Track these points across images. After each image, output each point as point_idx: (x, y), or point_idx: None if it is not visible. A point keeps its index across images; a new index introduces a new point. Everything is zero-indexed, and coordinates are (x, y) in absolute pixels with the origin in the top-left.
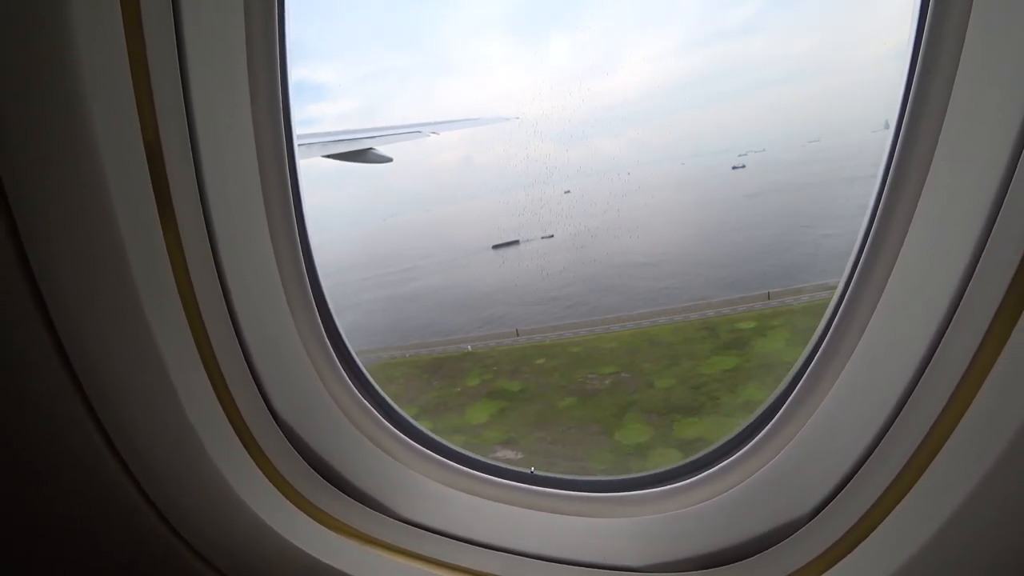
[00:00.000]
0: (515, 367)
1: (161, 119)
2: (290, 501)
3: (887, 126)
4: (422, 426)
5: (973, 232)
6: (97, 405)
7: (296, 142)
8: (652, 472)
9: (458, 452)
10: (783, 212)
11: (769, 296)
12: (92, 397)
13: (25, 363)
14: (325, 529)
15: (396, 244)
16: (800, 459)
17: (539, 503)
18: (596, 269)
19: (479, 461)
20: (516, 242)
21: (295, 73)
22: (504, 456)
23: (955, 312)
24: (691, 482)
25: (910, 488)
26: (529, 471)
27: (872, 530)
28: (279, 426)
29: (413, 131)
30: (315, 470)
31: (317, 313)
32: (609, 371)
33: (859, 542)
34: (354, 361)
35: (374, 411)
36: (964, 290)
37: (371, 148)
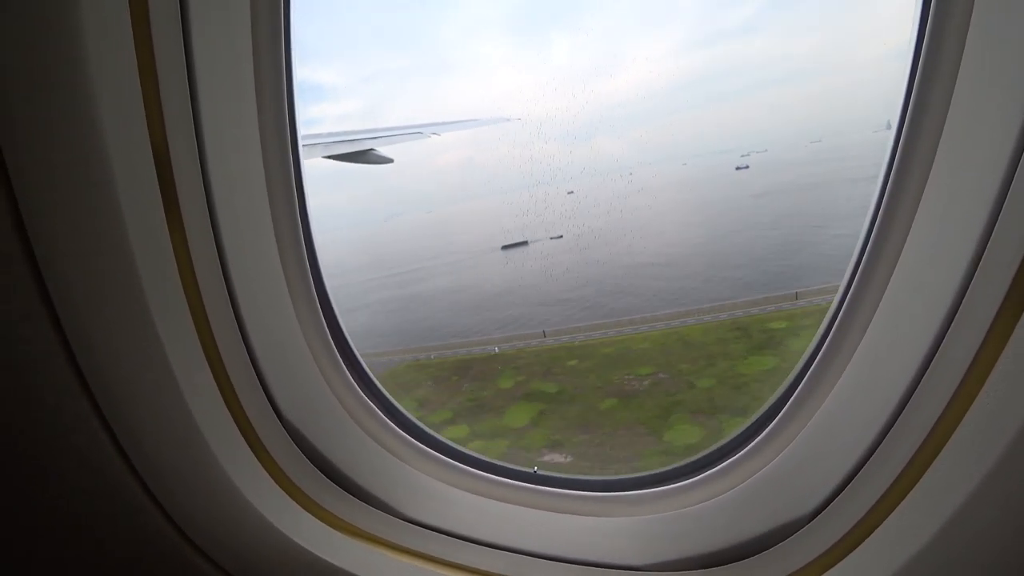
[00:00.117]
0: (547, 369)
1: (168, 121)
2: (295, 501)
3: (889, 126)
4: (426, 426)
5: (974, 232)
6: (103, 405)
7: (301, 144)
8: (654, 472)
9: (462, 452)
10: (792, 212)
11: (797, 296)
12: (98, 397)
13: (32, 363)
14: (330, 529)
15: (400, 245)
16: (801, 459)
17: (542, 502)
18: (608, 270)
19: (482, 461)
20: (525, 243)
21: (297, 74)
22: (552, 460)
23: (956, 312)
24: (692, 482)
25: (911, 488)
26: (532, 471)
27: (873, 530)
28: (284, 426)
29: (414, 132)
30: (320, 470)
31: (322, 314)
32: (646, 372)
33: (860, 542)
34: (358, 362)
35: (378, 411)
36: (965, 290)
37: (372, 149)
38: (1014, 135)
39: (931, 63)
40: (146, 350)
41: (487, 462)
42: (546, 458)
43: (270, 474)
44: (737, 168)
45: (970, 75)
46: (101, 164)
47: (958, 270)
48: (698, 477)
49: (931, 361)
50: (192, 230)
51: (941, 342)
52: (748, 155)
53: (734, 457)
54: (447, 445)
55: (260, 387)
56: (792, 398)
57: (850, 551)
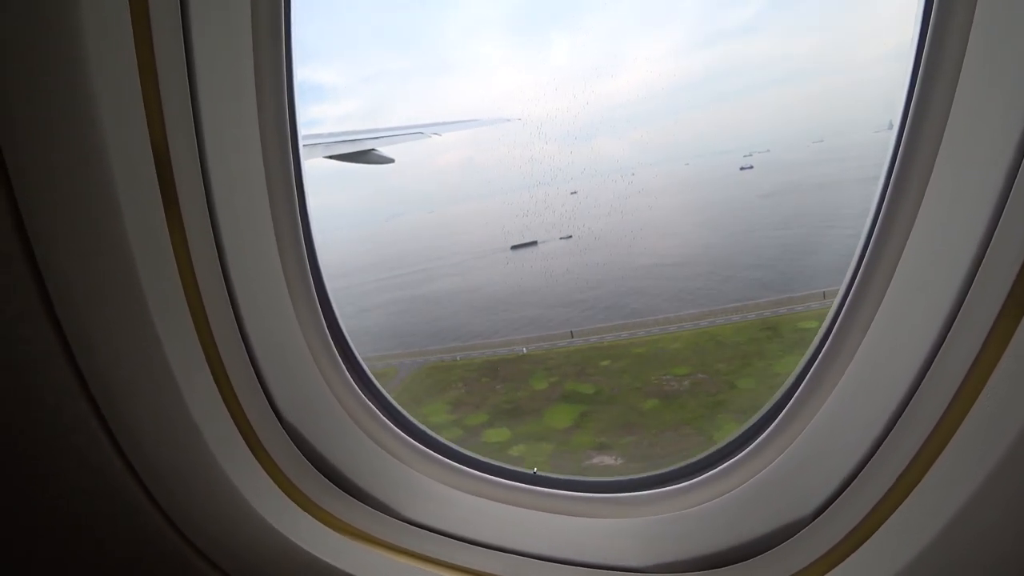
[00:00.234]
0: (580, 369)
1: (168, 120)
2: (294, 501)
3: (891, 126)
4: (425, 427)
5: (976, 232)
6: (103, 405)
7: (301, 144)
8: (655, 473)
9: (460, 452)
10: (802, 212)
11: (825, 295)
12: (98, 397)
13: (31, 363)
14: (328, 529)
15: (405, 245)
16: (803, 460)
17: (542, 504)
18: (621, 271)
19: (482, 462)
20: (535, 243)
21: (297, 74)
22: (602, 463)
23: (958, 313)
24: (694, 483)
25: (913, 489)
26: (532, 472)
27: (875, 531)
28: (283, 427)
29: (415, 132)
30: (319, 471)
31: (321, 314)
32: (683, 372)
33: (862, 543)
34: (358, 362)
35: (378, 412)
36: (967, 290)
37: (373, 149)
38: (1016, 136)
39: (933, 63)
40: (145, 350)
41: (486, 463)
42: (595, 460)
43: (269, 475)
44: (741, 168)
45: (972, 75)
46: (101, 164)
47: (959, 271)
48: (699, 478)
49: (932, 361)
50: (192, 230)
51: (942, 343)
52: (751, 155)
53: (735, 458)
54: (446, 446)
55: (259, 387)
56: (793, 398)
57: (852, 551)
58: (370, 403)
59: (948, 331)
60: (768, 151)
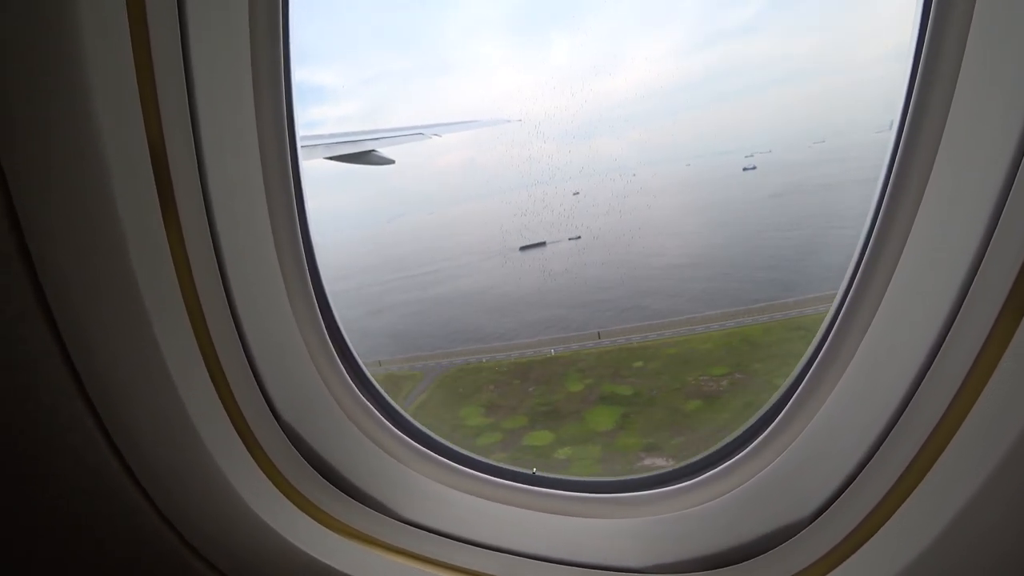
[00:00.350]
0: (613, 370)
1: (165, 119)
2: (291, 501)
3: (891, 126)
4: (423, 426)
5: (975, 234)
6: (99, 404)
7: (299, 143)
8: (654, 473)
9: (459, 452)
10: (812, 213)
11: None
12: (93, 396)
13: (28, 363)
14: (326, 529)
15: (409, 246)
16: (802, 461)
17: (540, 504)
18: (636, 271)
19: (480, 462)
20: (543, 243)
21: (296, 75)
22: (654, 464)
23: (957, 314)
24: (693, 483)
25: (912, 490)
26: (531, 472)
27: (874, 533)
28: (280, 426)
29: (415, 133)
30: (316, 470)
31: (319, 313)
32: (721, 372)
33: (861, 544)
34: (356, 361)
35: (375, 411)
36: (967, 292)
37: (373, 150)
38: (1015, 137)
39: (931, 64)
40: (142, 350)
41: (485, 463)
42: (646, 462)
43: (266, 474)
44: (744, 169)
45: (971, 76)
46: (98, 163)
47: (959, 271)
48: (698, 478)
49: (932, 363)
50: (189, 229)
51: (942, 344)
52: (752, 156)
53: (735, 458)
54: (444, 446)
55: (257, 387)
56: (792, 399)
57: (852, 553)
58: (368, 403)
59: (948, 332)
60: (770, 151)
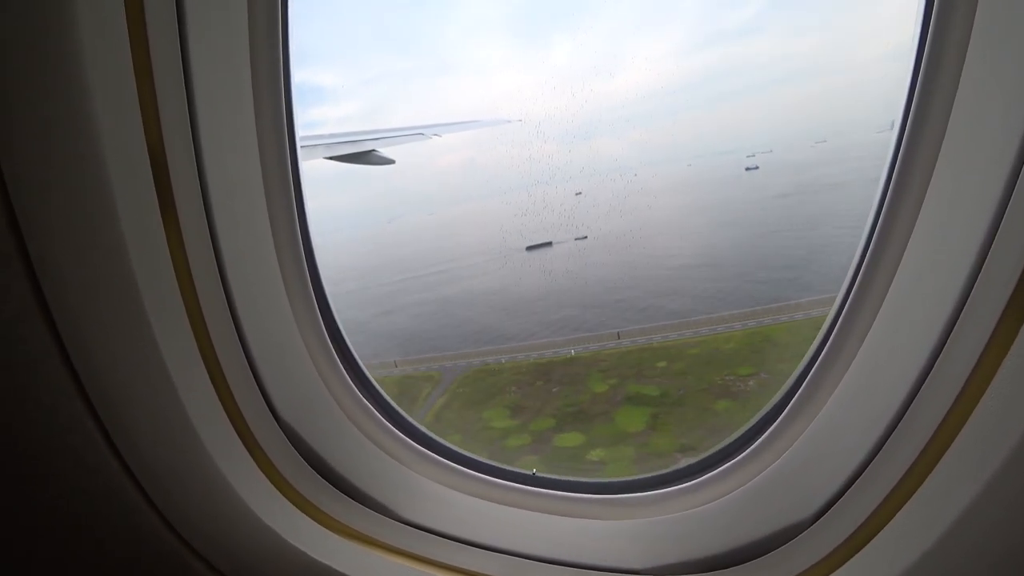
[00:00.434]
0: (637, 371)
1: (164, 120)
2: (291, 502)
3: (893, 126)
4: (423, 427)
5: (977, 235)
6: (98, 405)
7: (299, 143)
8: (655, 474)
9: (459, 453)
10: (822, 213)
11: None
12: (93, 397)
13: (27, 363)
14: (325, 530)
15: (413, 247)
16: (804, 462)
17: (541, 505)
18: (649, 272)
19: (480, 462)
20: (550, 244)
21: (296, 76)
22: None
23: (959, 316)
24: (694, 484)
25: (914, 492)
26: (531, 472)
27: (876, 533)
28: (280, 426)
29: (415, 133)
30: (316, 471)
31: (319, 314)
32: (747, 372)
33: (863, 545)
34: (356, 362)
35: (376, 412)
36: (968, 294)
37: (373, 150)
38: (1017, 138)
39: (933, 65)
40: (142, 350)
41: (485, 464)
42: (683, 464)
43: (266, 475)
44: (747, 169)
45: (973, 77)
46: (97, 164)
47: (961, 272)
48: (700, 479)
49: (934, 364)
50: (188, 229)
51: (944, 345)
52: (754, 156)
53: (736, 459)
54: (444, 447)
55: (257, 387)
56: (794, 399)
57: (854, 554)
58: (368, 403)
59: (950, 333)
60: (771, 151)
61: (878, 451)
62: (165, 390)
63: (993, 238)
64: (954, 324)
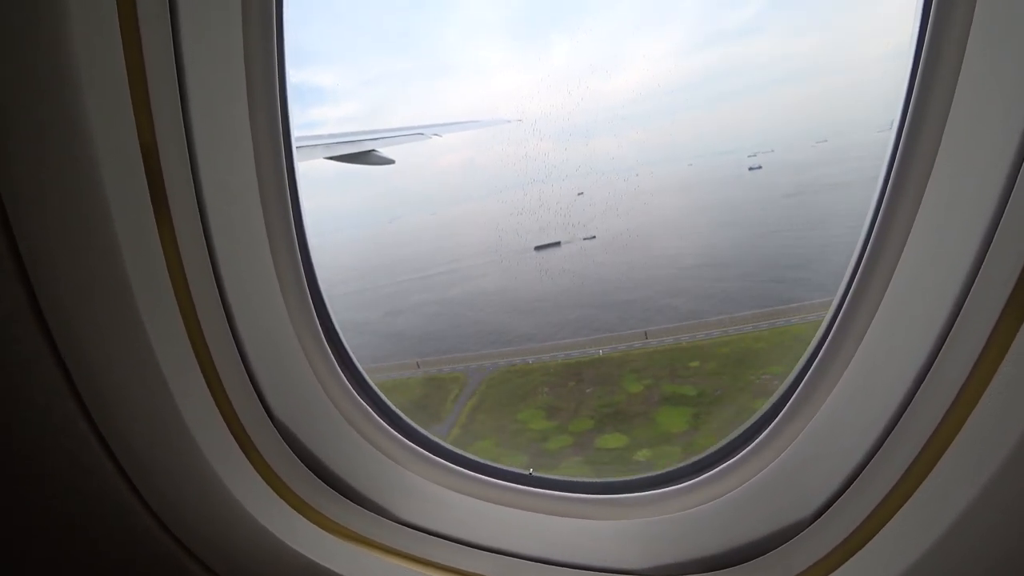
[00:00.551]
0: (670, 371)
1: (158, 120)
2: (286, 502)
3: (893, 126)
4: (419, 427)
5: (976, 235)
6: (92, 406)
7: (294, 144)
8: (653, 474)
9: (455, 453)
10: (830, 212)
11: None
12: (87, 398)
13: (20, 363)
14: (321, 531)
15: (417, 247)
16: (803, 461)
17: (538, 505)
18: (660, 272)
19: (477, 463)
20: (558, 243)
21: (296, 77)
22: None
23: (958, 315)
24: (692, 484)
25: (914, 491)
26: (528, 472)
27: (875, 533)
28: (276, 427)
29: (415, 133)
30: (312, 471)
31: (315, 314)
32: (781, 371)
33: (862, 545)
34: (352, 362)
35: (371, 412)
36: (967, 293)
37: (373, 150)
38: (1016, 138)
39: (932, 64)
40: (136, 351)
41: (482, 464)
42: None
43: (262, 476)
44: (750, 169)
45: (971, 77)
46: (89, 164)
47: (959, 272)
48: (698, 479)
49: (933, 363)
50: (182, 230)
51: (943, 344)
52: (755, 155)
53: (734, 458)
54: (441, 447)
55: (252, 388)
56: (793, 399)
57: (853, 553)
58: (364, 403)
59: (948, 333)
60: (772, 151)
61: (877, 451)
62: (159, 391)
63: (992, 238)
64: (953, 324)
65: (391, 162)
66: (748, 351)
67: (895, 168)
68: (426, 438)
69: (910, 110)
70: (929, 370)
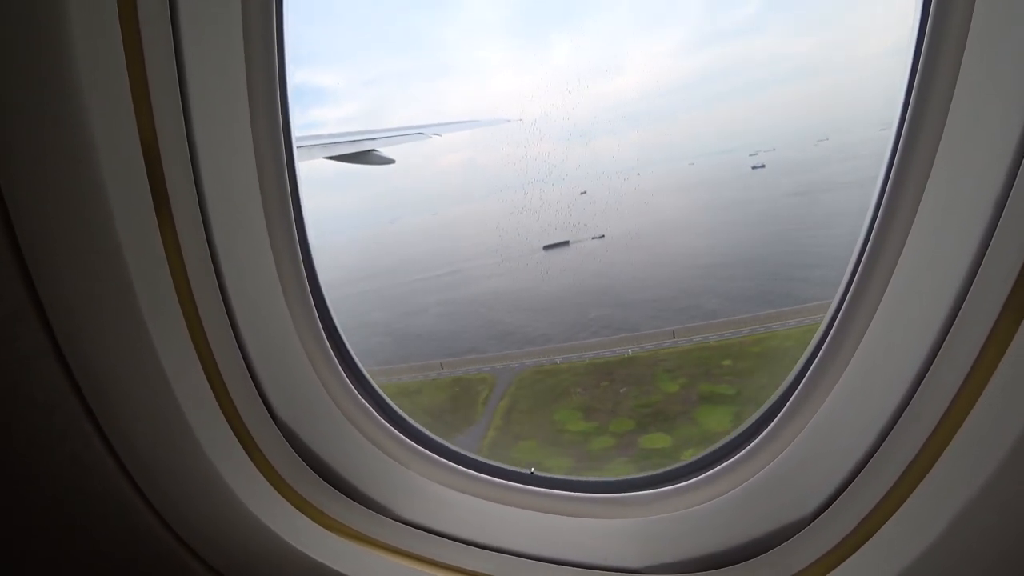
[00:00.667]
0: (703, 370)
1: (159, 120)
2: (288, 502)
3: (892, 126)
4: (421, 426)
5: (975, 235)
6: (95, 405)
7: (295, 144)
8: (653, 473)
9: (457, 452)
10: (840, 211)
11: None
12: (90, 397)
13: (22, 362)
14: (323, 530)
15: (422, 247)
16: (802, 460)
17: (539, 504)
18: (675, 271)
19: (478, 462)
20: (567, 243)
21: (296, 77)
22: None
23: (957, 315)
24: (692, 483)
25: (912, 490)
26: (529, 472)
27: (874, 532)
28: (278, 427)
29: (415, 133)
30: (314, 471)
31: (316, 313)
32: None
33: (861, 544)
34: (353, 361)
35: (373, 411)
36: (966, 293)
37: (373, 150)
38: (1015, 138)
39: (930, 65)
40: (138, 350)
41: (483, 463)
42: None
43: (264, 475)
44: (753, 168)
45: (970, 77)
46: (91, 165)
47: (958, 273)
48: (698, 478)
49: (932, 363)
50: (184, 230)
51: (942, 344)
52: (756, 154)
53: (734, 458)
54: (443, 446)
55: (254, 387)
56: (792, 398)
57: (851, 552)
58: (365, 402)
59: (947, 332)
60: (773, 150)
61: (876, 450)
62: (162, 390)
63: (991, 237)
64: (951, 324)
65: (391, 162)
66: (779, 349)
67: (894, 168)
68: (428, 438)
69: (909, 109)
70: (928, 369)
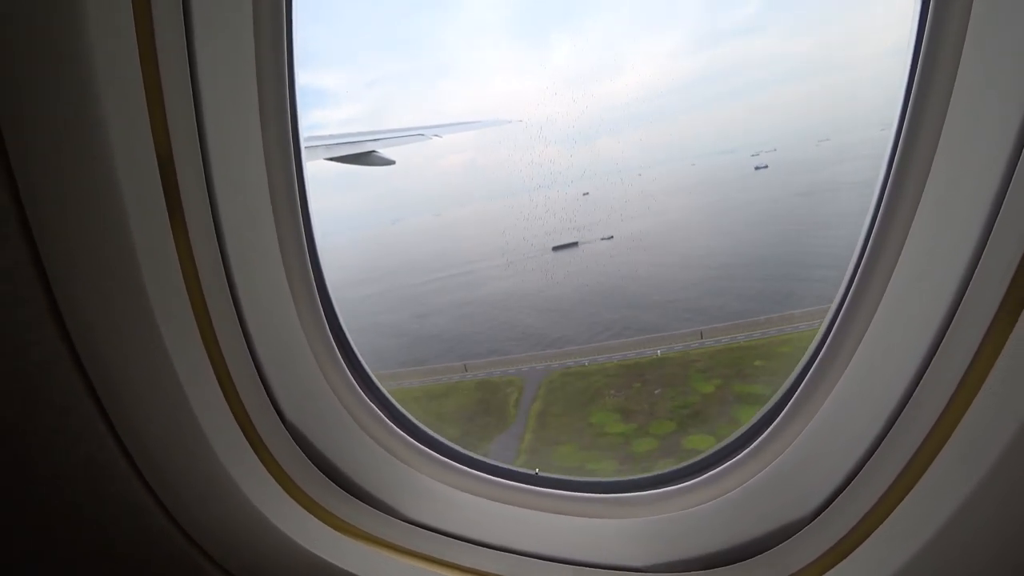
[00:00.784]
0: (736, 370)
1: (172, 126)
2: (297, 502)
3: (891, 127)
4: (427, 427)
5: (973, 235)
6: (109, 408)
7: (303, 148)
8: (654, 473)
9: (462, 453)
10: (850, 211)
11: None
12: (104, 400)
13: (39, 366)
14: (331, 530)
15: (427, 248)
16: (801, 460)
17: (543, 504)
18: (691, 272)
19: (483, 462)
20: (576, 244)
21: (300, 79)
22: None
23: (955, 313)
24: (693, 483)
25: (911, 489)
26: (533, 472)
27: (873, 531)
28: (287, 428)
29: (416, 133)
30: (322, 472)
31: (324, 317)
32: None
33: (861, 543)
34: (360, 364)
35: (380, 413)
36: (964, 291)
37: (374, 151)
38: (1012, 137)
39: (929, 64)
40: (151, 353)
41: (489, 464)
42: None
43: (273, 476)
44: (756, 168)
45: (969, 76)
46: (107, 171)
47: (957, 271)
48: (698, 478)
49: (930, 362)
50: (195, 233)
51: (940, 343)
52: (758, 154)
53: (735, 458)
54: (448, 446)
55: (263, 389)
56: (792, 399)
57: (851, 551)
58: (372, 404)
59: (945, 332)
60: (774, 150)
61: (875, 450)
62: (174, 394)
63: (988, 238)
64: (950, 323)
65: (392, 163)
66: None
67: (893, 168)
68: (434, 438)
69: (908, 110)
70: (927, 369)
